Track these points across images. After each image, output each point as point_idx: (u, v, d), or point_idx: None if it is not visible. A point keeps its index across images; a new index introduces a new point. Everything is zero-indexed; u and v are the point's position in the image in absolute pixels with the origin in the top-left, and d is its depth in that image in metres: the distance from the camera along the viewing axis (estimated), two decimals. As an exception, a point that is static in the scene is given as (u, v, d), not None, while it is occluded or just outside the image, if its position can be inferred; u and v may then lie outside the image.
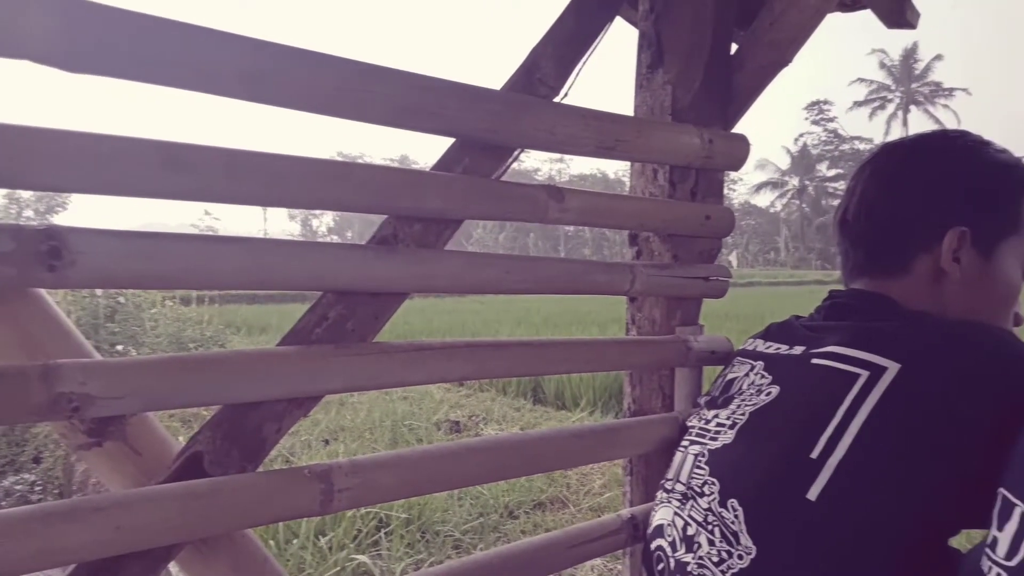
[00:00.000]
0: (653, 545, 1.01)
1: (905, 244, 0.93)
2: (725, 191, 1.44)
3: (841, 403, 0.82)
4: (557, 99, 1.12)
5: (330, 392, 0.92)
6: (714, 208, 1.33)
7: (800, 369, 0.92)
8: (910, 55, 57.08)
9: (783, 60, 1.33)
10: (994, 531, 0.57)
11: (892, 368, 0.81)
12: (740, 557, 0.84)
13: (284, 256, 0.84)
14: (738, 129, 1.39)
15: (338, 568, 2.76)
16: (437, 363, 0.98)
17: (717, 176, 1.37)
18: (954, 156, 0.93)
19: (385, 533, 3.08)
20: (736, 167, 1.35)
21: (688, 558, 0.90)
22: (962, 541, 0.89)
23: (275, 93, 0.81)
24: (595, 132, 1.09)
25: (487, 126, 0.98)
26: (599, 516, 3.50)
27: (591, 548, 1.18)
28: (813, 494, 0.80)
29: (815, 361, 0.90)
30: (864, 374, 0.83)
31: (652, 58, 1.35)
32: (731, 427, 0.94)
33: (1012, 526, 0.55)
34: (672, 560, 0.94)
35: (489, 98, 0.99)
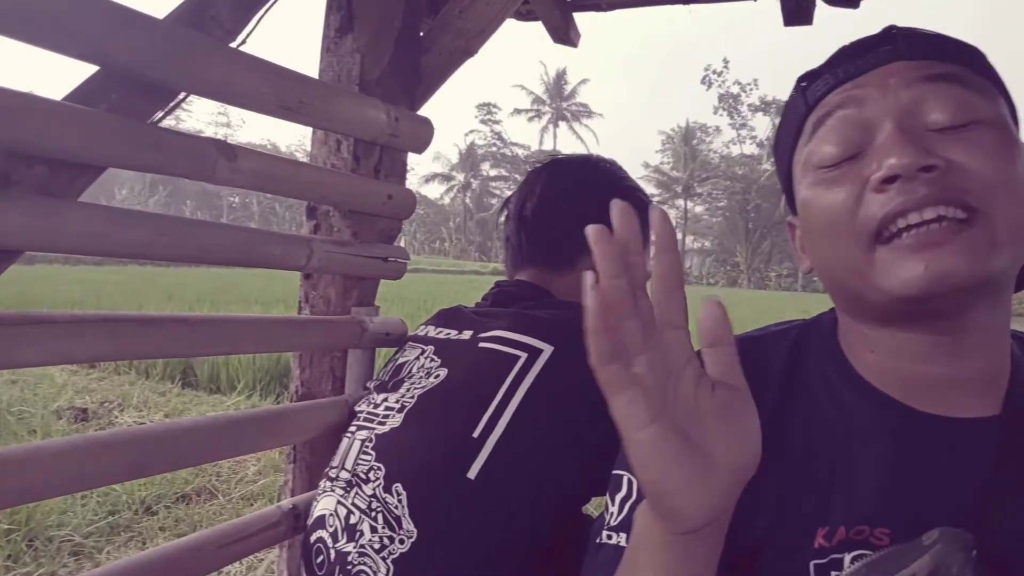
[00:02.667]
0: (313, 537, 0.96)
1: (575, 243, 1.03)
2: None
3: (503, 383, 0.87)
4: (234, 45, 0.99)
5: None
6: (397, 188, 1.31)
7: (468, 352, 0.95)
8: (562, 76, 64.63)
9: (469, 50, 1.36)
10: (607, 501, 0.64)
11: (547, 350, 0.88)
12: (401, 542, 0.83)
13: None
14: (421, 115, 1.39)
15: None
16: (60, 340, 0.79)
17: (401, 156, 1.36)
18: (624, 180, 1.11)
19: (-24, 547, 2.50)
20: (420, 150, 1.35)
21: (349, 547, 0.87)
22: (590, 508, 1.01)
23: None
24: (277, 88, 0.99)
25: (144, 59, 0.82)
26: (252, 505, 3.26)
27: (247, 544, 1.08)
28: (473, 472, 0.83)
29: (482, 344, 0.94)
30: (523, 355, 0.89)
31: (341, 22, 1.28)
32: (400, 410, 0.94)
33: (621, 494, 0.62)
34: (332, 551, 0.90)
35: (149, 26, 0.82)
